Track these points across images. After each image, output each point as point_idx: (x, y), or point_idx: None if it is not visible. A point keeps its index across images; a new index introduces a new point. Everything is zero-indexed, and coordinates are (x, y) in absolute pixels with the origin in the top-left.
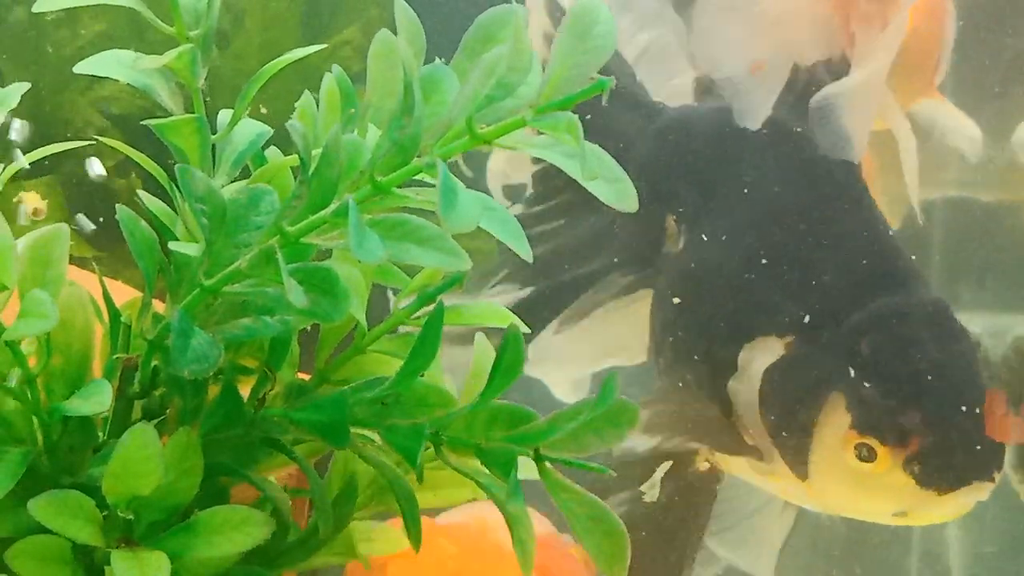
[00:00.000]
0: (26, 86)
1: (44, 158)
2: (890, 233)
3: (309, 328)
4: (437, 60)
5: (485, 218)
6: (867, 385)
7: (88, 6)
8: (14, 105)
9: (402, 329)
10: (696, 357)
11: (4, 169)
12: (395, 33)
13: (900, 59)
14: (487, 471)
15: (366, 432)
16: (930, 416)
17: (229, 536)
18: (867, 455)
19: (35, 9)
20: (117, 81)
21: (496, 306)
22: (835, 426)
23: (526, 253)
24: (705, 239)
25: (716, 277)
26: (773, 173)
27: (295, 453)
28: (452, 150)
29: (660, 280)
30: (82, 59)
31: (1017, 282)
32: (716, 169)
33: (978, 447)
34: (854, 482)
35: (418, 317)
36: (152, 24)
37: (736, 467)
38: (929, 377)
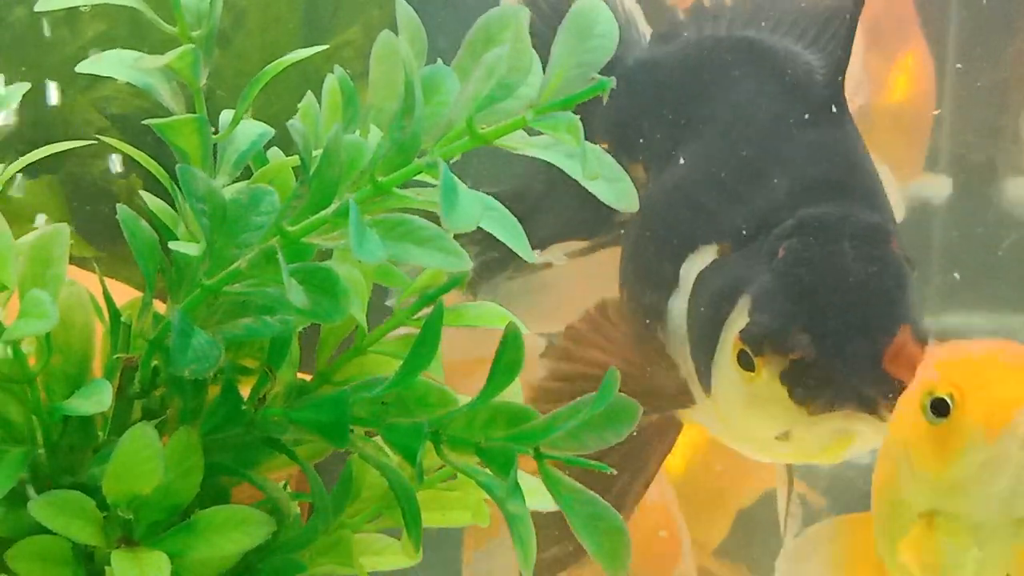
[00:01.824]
0: (26, 86)
1: (44, 158)
2: (860, 152)
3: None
4: (438, 60)
5: (485, 218)
6: (773, 291)
7: (88, 6)
8: (14, 105)
9: (403, 330)
10: (647, 284)
11: (4, 169)
12: (396, 34)
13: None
14: (487, 470)
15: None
16: (820, 330)
17: (229, 536)
18: (747, 363)
19: (36, 9)
20: (117, 81)
21: (496, 307)
22: (735, 331)
23: (527, 254)
24: (669, 173)
25: (671, 198)
26: (736, 95)
27: (295, 453)
28: (453, 150)
29: (629, 229)
30: (82, 59)
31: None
32: (680, 108)
33: (863, 374)
34: (739, 395)
35: (419, 318)
36: (153, 24)
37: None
38: (835, 292)
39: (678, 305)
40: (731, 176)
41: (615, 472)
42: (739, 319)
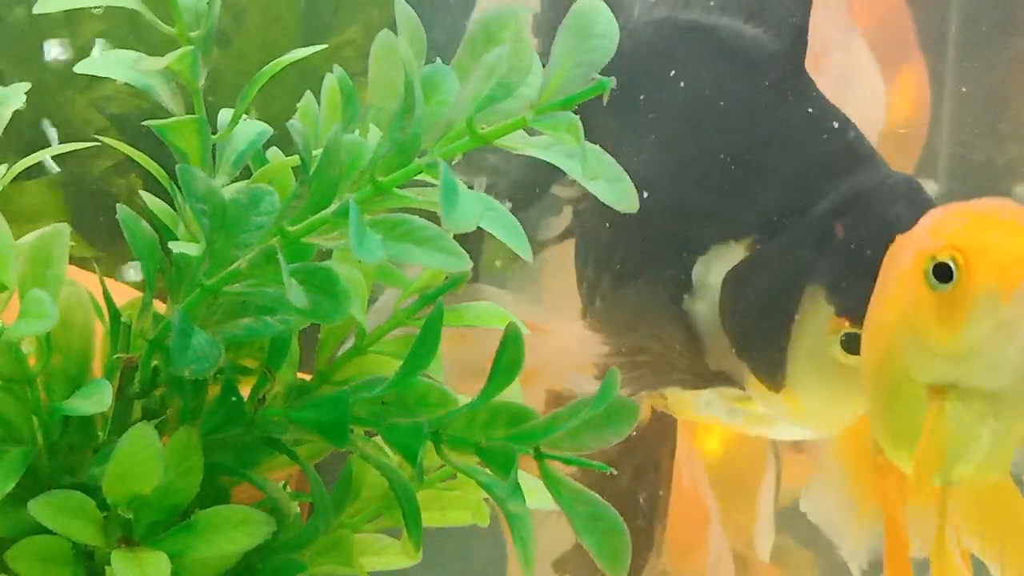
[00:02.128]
0: (26, 86)
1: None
2: (841, 115)
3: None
4: (438, 60)
5: (485, 218)
6: (847, 270)
7: (88, 6)
8: (17, 105)
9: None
10: (640, 286)
11: (6, 170)
12: (396, 33)
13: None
14: (487, 470)
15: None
16: None
17: (229, 536)
18: (854, 346)
19: (36, 10)
20: (117, 81)
21: (495, 307)
22: (816, 321)
23: (527, 254)
24: (632, 160)
25: (651, 194)
26: (703, 75)
27: (295, 453)
28: (453, 150)
29: (584, 217)
30: (82, 59)
31: None
32: (636, 87)
33: None
34: (838, 379)
35: (419, 318)
36: (152, 25)
37: (690, 407)
38: None
39: (703, 310)
40: (723, 168)
41: (615, 471)
42: (815, 311)
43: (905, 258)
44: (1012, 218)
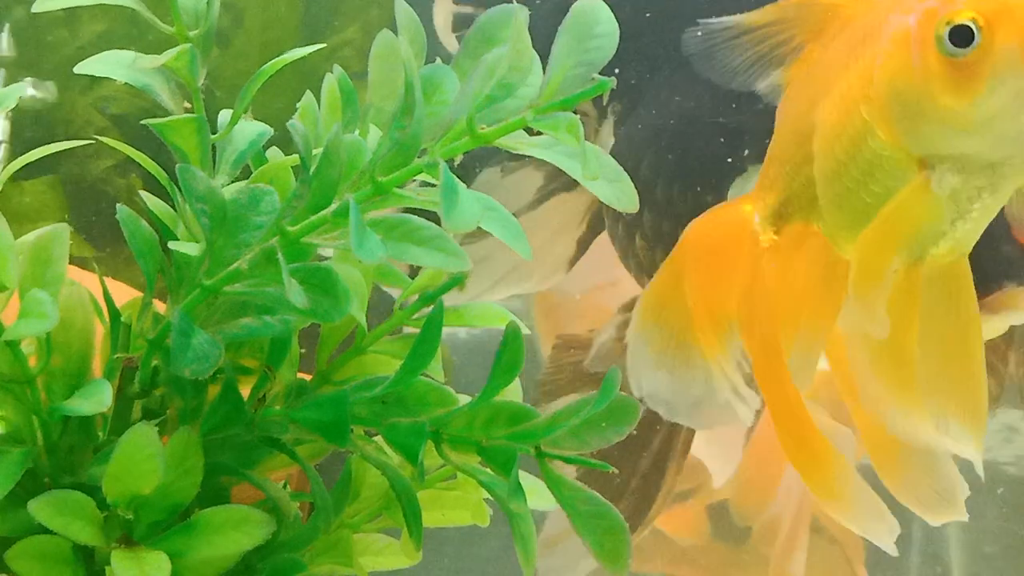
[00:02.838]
0: (27, 86)
1: (44, 157)
2: None
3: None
4: (437, 60)
5: (486, 218)
6: None
7: (88, 6)
8: (13, 105)
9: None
10: (680, 215)
11: (4, 169)
12: (396, 33)
13: None
14: (488, 469)
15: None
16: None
17: (229, 536)
18: None
19: (35, 9)
20: (117, 81)
21: (496, 307)
22: None
23: (527, 255)
24: (670, 82)
25: (687, 118)
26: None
27: (296, 453)
28: (453, 150)
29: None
30: (82, 59)
31: None
32: (644, 35)
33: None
34: None
35: (419, 318)
36: (152, 24)
37: None
38: None
39: None
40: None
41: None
42: None
43: (899, 24)
44: None
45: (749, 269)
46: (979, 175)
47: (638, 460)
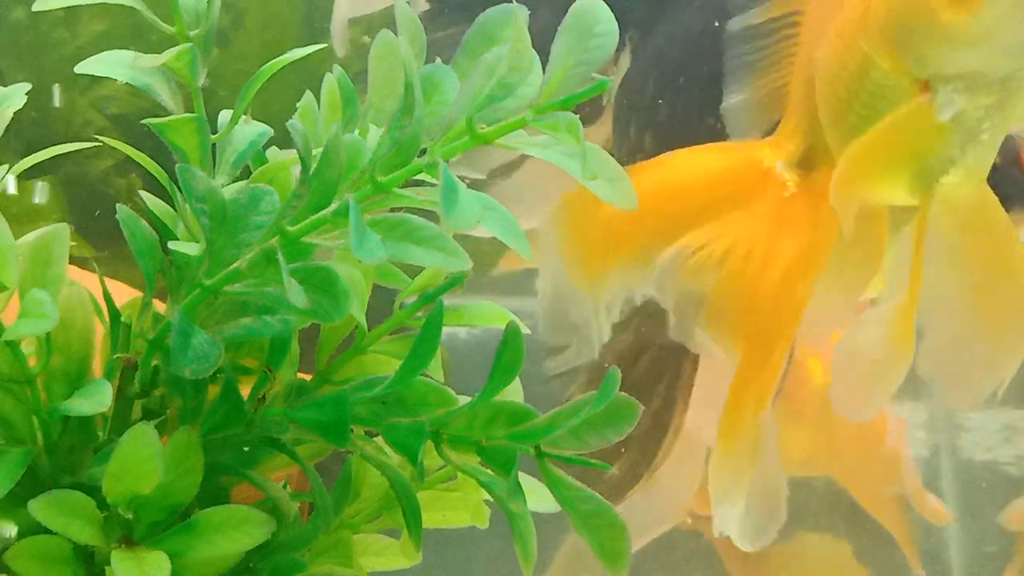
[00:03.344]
0: (27, 86)
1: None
2: None
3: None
4: (437, 60)
5: (485, 218)
6: None
7: (88, 6)
8: (19, 106)
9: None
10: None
11: (6, 171)
12: (396, 33)
13: None
14: (488, 470)
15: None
16: None
17: (229, 536)
18: None
19: (35, 8)
20: (117, 81)
21: (496, 306)
22: None
23: (527, 255)
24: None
25: (686, 53)
26: None
27: (296, 453)
28: (453, 150)
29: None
30: (82, 59)
31: None
32: None
33: None
34: None
35: (419, 317)
36: (152, 24)
37: None
38: None
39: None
40: None
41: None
42: None
43: None
44: None
45: (771, 214)
46: (985, 92)
47: (650, 399)
